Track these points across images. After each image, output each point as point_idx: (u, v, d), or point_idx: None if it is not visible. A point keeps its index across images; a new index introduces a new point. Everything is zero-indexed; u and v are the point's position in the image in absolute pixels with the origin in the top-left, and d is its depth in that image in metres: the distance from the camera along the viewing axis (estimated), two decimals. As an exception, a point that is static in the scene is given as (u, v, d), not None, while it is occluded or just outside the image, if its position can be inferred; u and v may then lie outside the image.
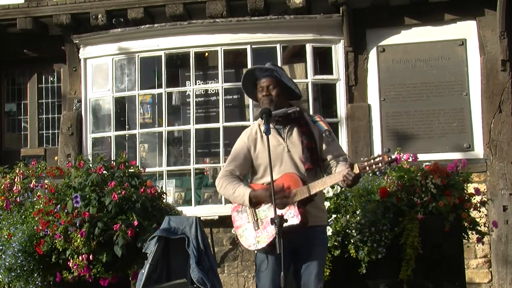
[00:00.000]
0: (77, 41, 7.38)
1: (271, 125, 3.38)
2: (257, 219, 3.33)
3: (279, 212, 3.20)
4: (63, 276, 4.50)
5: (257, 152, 3.45)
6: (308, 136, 3.43)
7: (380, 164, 3.16)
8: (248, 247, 3.35)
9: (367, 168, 3.19)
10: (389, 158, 3.18)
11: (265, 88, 3.46)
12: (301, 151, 3.39)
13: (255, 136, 3.48)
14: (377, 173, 4.72)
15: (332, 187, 4.37)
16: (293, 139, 3.44)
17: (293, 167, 3.38)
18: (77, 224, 4.44)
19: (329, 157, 3.47)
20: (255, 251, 3.41)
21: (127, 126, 7.44)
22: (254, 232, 3.31)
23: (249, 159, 3.47)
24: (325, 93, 7.12)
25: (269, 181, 3.29)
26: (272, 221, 3.04)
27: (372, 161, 3.19)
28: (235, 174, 3.45)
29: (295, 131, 3.45)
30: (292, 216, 3.23)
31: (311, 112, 6.74)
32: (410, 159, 4.62)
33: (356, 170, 3.19)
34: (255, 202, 3.31)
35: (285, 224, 3.07)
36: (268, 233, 3.26)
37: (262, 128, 3.39)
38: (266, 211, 3.30)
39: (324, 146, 3.48)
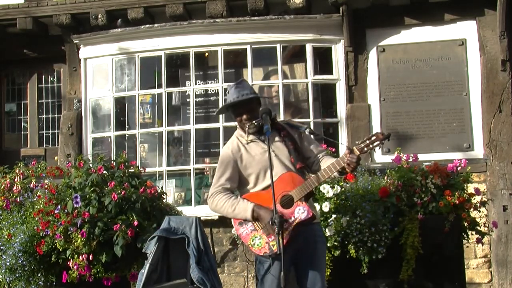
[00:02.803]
0: (77, 41, 7.38)
1: (251, 137, 3.47)
2: (265, 225, 3.30)
3: (287, 210, 3.26)
4: (69, 275, 4.49)
5: (244, 163, 3.46)
6: (289, 138, 3.50)
7: (375, 143, 3.26)
8: (265, 254, 3.30)
9: (365, 149, 3.27)
10: (383, 136, 3.27)
11: (246, 114, 3.47)
12: (288, 153, 3.45)
13: (238, 150, 3.49)
14: (377, 173, 4.72)
15: (332, 187, 4.37)
16: (276, 144, 3.47)
17: (284, 169, 3.40)
18: (77, 224, 4.45)
19: (313, 154, 3.55)
20: (256, 256, 3.40)
21: (127, 126, 7.44)
22: (266, 238, 3.29)
23: (237, 171, 3.47)
24: (325, 93, 7.12)
25: (262, 187, 3.39)
26: (272, 221, 3.08)
27: (368, 141, 3.27)
28: (227, 188, 3.45)
29: (276, 136, 3.50)
30: (303, 212, 3.28)
31: (311, 113, 6.79)
32: (410, 159, 4.62)
33: (356, 152, 3.27)
34: (256, 217, 3.32)
35: (298, 220, 3.23)
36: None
37: (245, 138, 3.46)
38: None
39: (305, 145, 3.55)
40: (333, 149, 6.53)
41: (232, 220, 3.47)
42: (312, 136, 3.59)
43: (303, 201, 3.31)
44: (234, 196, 3.43)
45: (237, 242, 6.66)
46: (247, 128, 3.48)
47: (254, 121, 3.44)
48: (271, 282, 3.30)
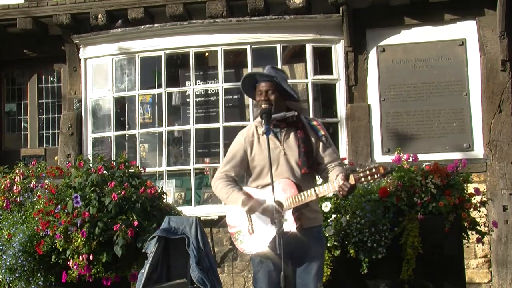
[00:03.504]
0: (77, 41, 7.38)
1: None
2: (251, 223, 3.32)
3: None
4: (69, 275, 4.48)
5: (253, 154, 3.45)
6: (305, 140, 3.43)
7: (376, 176, 3.16)
8: (242, 250, 3.35)
9: (363, 179, 3.17)
10: (385, 171, 3.17)
11: (264, 92, 3.44)
12: (298, 155, 3.39)
13: (251, 138, 3.47)
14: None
15: (332, 187, 4.37)
16: (290, 143, 3.43)
17: (288, 170, 3.37)
18: (78, 224, 4.45)
19: (324, 161, 3.46)
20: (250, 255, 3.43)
21: (127, 126, 7.44)
22: (249, 236, 3.31)
23: (245, 160, 3.47)
24: (325, 93, 7.12)
25: (263, 184, 3.38)
26: (273, 221, 3.09)
27: (368, 172, 3.18)
28: (230, 175, 3.45)
29: (292, 135, 3.45)
30: (289, 223, 3.24)
31: (311, 113, 6.78)
32: (410, 159, 4.62)
33: (352, 181, 3.18)
34: (245, 208, 3.32)
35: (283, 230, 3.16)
36: (263, 238, 3.27)
37: (262, 129, 3.41)
38: (261, 216, 3.30)
39: (320, 151, 3.47)
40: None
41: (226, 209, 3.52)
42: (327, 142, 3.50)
43: (291, 211, 3.26)
44: (232, 185, 3.42)
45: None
46: (261, 109, 3.42)
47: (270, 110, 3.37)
48: (262, 280, 3.34)
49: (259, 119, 3.51)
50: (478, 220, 4.56)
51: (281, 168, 3.37)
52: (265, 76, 3.50)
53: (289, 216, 3.25)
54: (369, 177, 3.16)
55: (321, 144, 3.46)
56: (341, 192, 3.20)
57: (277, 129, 3.46)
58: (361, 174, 3.17)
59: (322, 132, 3.48)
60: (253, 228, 3.31)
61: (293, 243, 3.26)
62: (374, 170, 3.15)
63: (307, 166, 3.38)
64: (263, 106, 3.42)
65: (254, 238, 3.30)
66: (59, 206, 4.60)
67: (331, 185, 3.26)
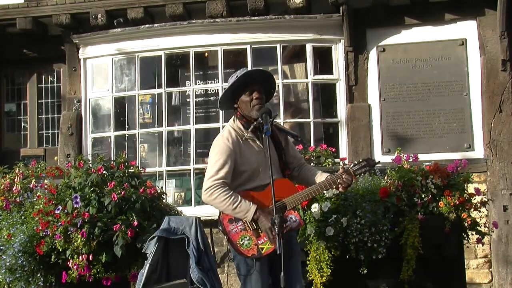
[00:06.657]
0: (77, 41, 7.37)
1: (250, 133, 3.43)
2: (256, 227, 3.32)
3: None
4: (68, 275, 4.48)
5: (241, 159, 3.40)
6: (279, 142, 3.53)
7: (366, 168, 3.46)
8: (252, 255, 3.29)
9: (358, 171, 3.45)
10: (373, 162, 3.53)
11: (258, 92, 3.44)
12: (278, 157, 3.50)
13: (237, 142, 3.41)
14: (378, 173, 4.72)
15: (332, 187, 4.37)
16: (270, 146, 3.45)
17: (276, 172, 3.40)
18: (77, 225, 4.44)
19: (295, 160, 3.64)
20: (235, 255, 3.40)
21: (127, 126, 7.43)
22: (256, 240, 3.30)
23: (233, 166, 3.40)
24: (325, 93, 7.12)
25: (252, 187, 3.40)
26: (273, 221, 3.10)
27: (361, 164, 3.47)
28: (227, 183, 3.36)
29: (268, 138, 3.42)
30: (295, 221, 3.40)
31: (311, 113, 6.78)
32: (411, 159, 4.61)
33: (351, 174, 3.43)
34: (256, 219, 3.31)
35: (289, 228, 3.31)
36: (271, 239, 3.27)
37: (246, 134, 3.42)
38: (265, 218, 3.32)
39: (290, 150, 3.62)
40: (333, 149, 6.51)
41: (221, 216, 3.45)
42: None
43: (294, 210, 3.41)
44: (235, 194, 3.34)
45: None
46: (254, 110, 3.39)
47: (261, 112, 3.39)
48: (255, 282, 3.32)
49: (237, 124, 3.48)
50: (478, 220, 4.55)
51: (268, 170, 3.34)
52: (263, 75, 3.54)
53: (293, 214, 3.41)
54: (363, 169, 3.47)
55: (289, 142, 3.63)
56: (343, 185, 3.38)
57: (255, 134, 3.47)
58: (356, 167, 3.46)
59: (295, 133, 3.70)
60: (259, 232, 3.30)
61: (286, 243, 3.28)
62: (365, 163, 3.47)
63: (288, 167, 3.54)
64: (257, 106, 3.40)
65: (262, 240, 3.29)
66: (59, 207, 4.59)
67: (331, 181, 3.40)
